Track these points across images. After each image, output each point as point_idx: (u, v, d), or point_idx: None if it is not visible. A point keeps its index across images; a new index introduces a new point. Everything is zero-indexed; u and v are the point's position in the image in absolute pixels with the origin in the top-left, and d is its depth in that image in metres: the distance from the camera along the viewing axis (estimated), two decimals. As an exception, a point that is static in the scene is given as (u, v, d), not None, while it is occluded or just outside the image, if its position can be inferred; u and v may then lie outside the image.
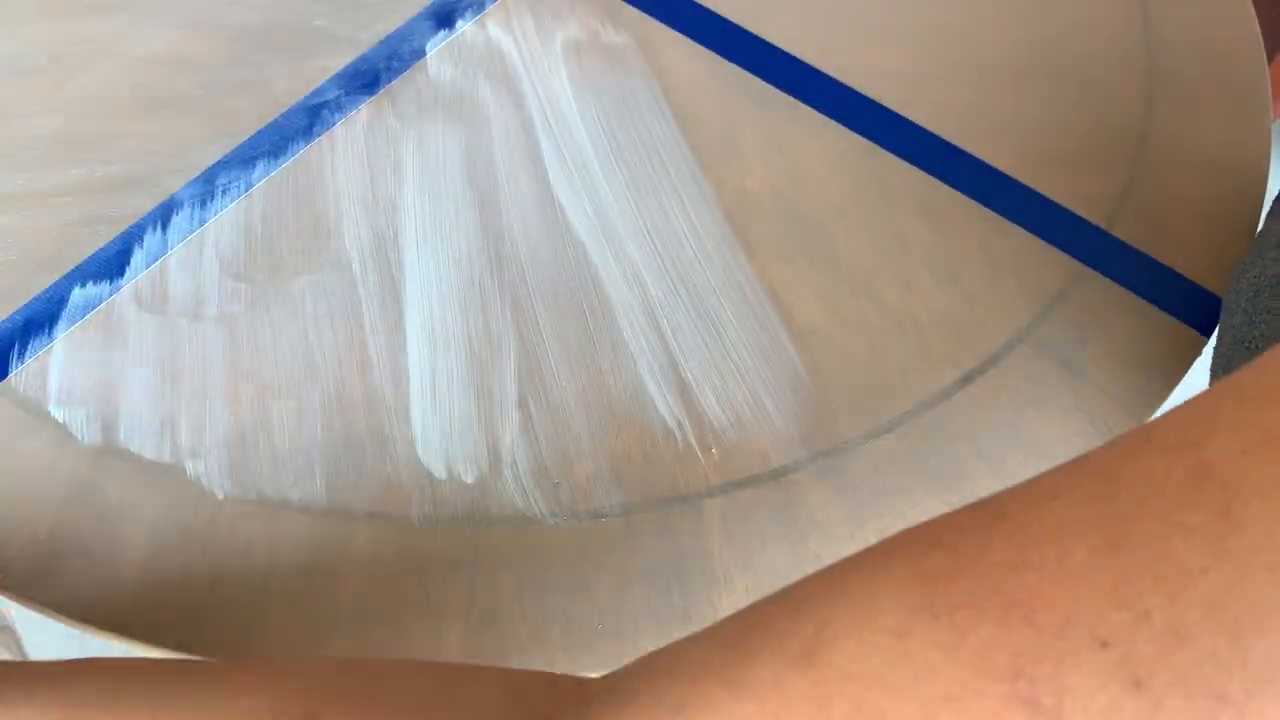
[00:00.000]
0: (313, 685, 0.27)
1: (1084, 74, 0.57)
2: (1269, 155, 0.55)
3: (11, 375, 0.45)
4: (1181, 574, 0.17)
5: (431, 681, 0.27)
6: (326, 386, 0.45)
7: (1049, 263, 0.50)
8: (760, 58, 0.57)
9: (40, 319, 0.46)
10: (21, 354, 0.45)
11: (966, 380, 0.47)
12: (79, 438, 0.43)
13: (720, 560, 0.42)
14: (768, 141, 0.54)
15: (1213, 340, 0.48)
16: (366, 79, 0.55)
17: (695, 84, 0.56)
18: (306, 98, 0.54)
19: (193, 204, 0.50)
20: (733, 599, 0.41)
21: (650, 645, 0.40)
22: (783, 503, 0.43)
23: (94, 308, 0.47)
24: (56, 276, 0.47)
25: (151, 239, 0.49)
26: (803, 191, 0.52)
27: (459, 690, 0.26)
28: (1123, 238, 0.51)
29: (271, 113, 0.53)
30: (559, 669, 0.39)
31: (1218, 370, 0.45)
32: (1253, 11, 0.61)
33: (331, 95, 0.54)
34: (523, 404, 0.45)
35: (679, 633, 0.40)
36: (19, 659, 0.57)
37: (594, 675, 0.39)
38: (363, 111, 0.53)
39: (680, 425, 0.45)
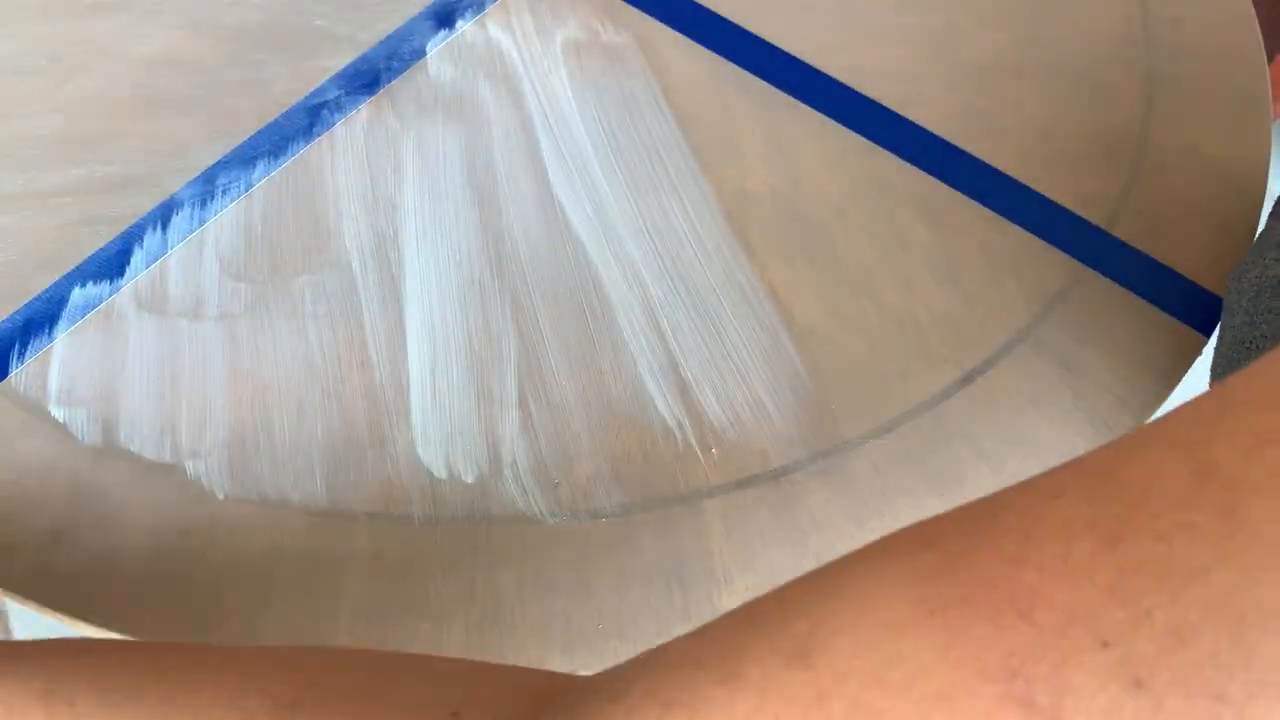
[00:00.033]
0: (302, 672, 0.26)
1: (1084, 74, 0.57)
2: (1269, 155, 0.55)
3: (11, 375, 0.45)
4: (1183, 573, 0.17)
5: (425, 675, 0.27)
6: (326, 386, 0.45)
7: (1049, 263, 0.50)
8: (760, 58, 0.57)
9: (40, 319, 0.46)
10: (22, 354, 0.45)
11: (966, 380, 0.47)
12: (79, 438, 0.43)
13: (720, 560, 0.42)
14: (768, 141, 0.54)
15: (1213, 340, 0.49)
16: (366, 79, 0.55)
17: (695, 84, 0.56)
18: (306, 98, 0.54)
19: (193, 204, 0.50)
20: (733, 599, 0.41)
21: (650, 645, 0.40)
22: (783, 503, 0.43)
23: (94, 308, 0.47)
24: (56, 276, 0.47)
25: (151, 239, 0.49)
26: (803, 191, 0.52)
27: (452, 683, 0.26)
28: (1123, 238, 0.51)
29: (271, 113, 0.53)
30: (559, 669, 0.39)
31: (1219, 370, 0.45)
32: (1253, 12, 0.61)
33: (331, 95, 0.54)
34: (523, 403, 0.45)
35: (679, 633, 0.40)
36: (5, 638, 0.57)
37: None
38: (363, 111, 0.53)
39: (680, 425, 0.45)
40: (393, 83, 0.55)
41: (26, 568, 0.40)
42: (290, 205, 0.50)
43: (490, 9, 0.58)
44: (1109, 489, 0.19)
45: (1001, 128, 0.55)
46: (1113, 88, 0.57)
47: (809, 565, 0.42)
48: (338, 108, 0.54)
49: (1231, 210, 0.53)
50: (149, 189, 0.50)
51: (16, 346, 0.45)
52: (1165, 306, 0.49)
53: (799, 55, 0.57)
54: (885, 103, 0.56)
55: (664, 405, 0.45)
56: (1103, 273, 0.50)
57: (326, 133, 0.53)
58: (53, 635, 0.29)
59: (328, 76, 0.55)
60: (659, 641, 0.41)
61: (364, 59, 0.56)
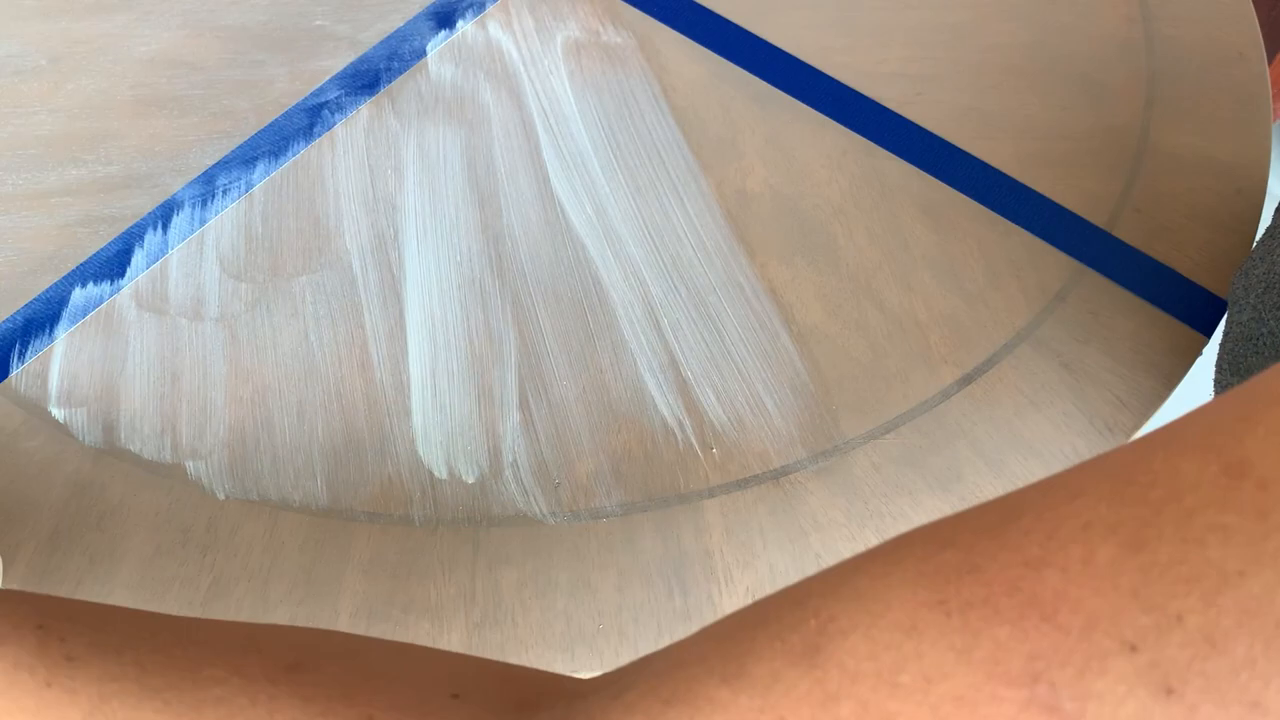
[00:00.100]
0: (301, 641, 0.26)
1: (1084, 74, 0.57)
2: (1269, 155, 0.55)
3: (12, 375, 0.45)
4: (1217, 576, 0.17)
5: (426, 657, 0.26)
6: (327, 386, 0.45)
7: (1049, 263, 0.50)
8: (760, 58, 0.57)
9: (41, 319, 0.46)
10: (22, 354, 0.45)
11: (966, 380, 0.47)
12: (79, 438, 0.43)
13: (720, 560, 0.42)
14: (768, 141, 0.54)
15: (1213, 341, 0.48)
16: (366, 79, 0.55)
17: (695, 84, 0.56)
18: (306, 98, 0.54)
19: (193, 204, 0.50)
20: (733, 599, 0.41)
21: (650, 645, 0.40)
22: (783, 503, 0.43)
23: (94, 308, 0.47)
24: (56, 276, 0.47)
25: (151, 239, 0.49)
26: (803, 191, 0.52)
27: (454, 668, 0.26)
28: (1123, 238, 0.51)
29: (271, 113, 0.53)
30: (559, 668, 0.39)
31: (1224, 367, 0.45)
32: (1253, 11, 0.61)
33: (331, 95, 0.54)
34: (523, 403, 0.45)
35: (679, 632, 0.40)
36: None
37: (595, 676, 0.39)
38: (363, 111, 0.53)
39: (680, 425, 0.45)
40: (393, 83, 0.55)
41: (27, 568, 0.40)
42: (290, 205, 0.50)
43: (490, 9, 0.58)
44: (1130, 491, 0.19)
45: (1002, 128, 0.55)
46: (1113, 88, 0.57)
47: (809, 565, 0.42)
48: (338, 108, 0.54)
49: (1231, 210, 0.53)
50: (149, 189, 0.50)
51: (17, 346, 0.45)
52: (1165, 306, 0.49)
53: (799, 55, 0.57)
54: (885, 103, 0.56)
55: (664, 405, 0.45)
56: (1103, 273, 0.50)
57: (326, 133, 0.53)
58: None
59: (328, 76, 0.55)
60: (659, 642, 0.41)
61: (364, 59, 0.56)
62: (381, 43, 0.56)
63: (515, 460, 0.44)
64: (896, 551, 0.21)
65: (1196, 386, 0.50)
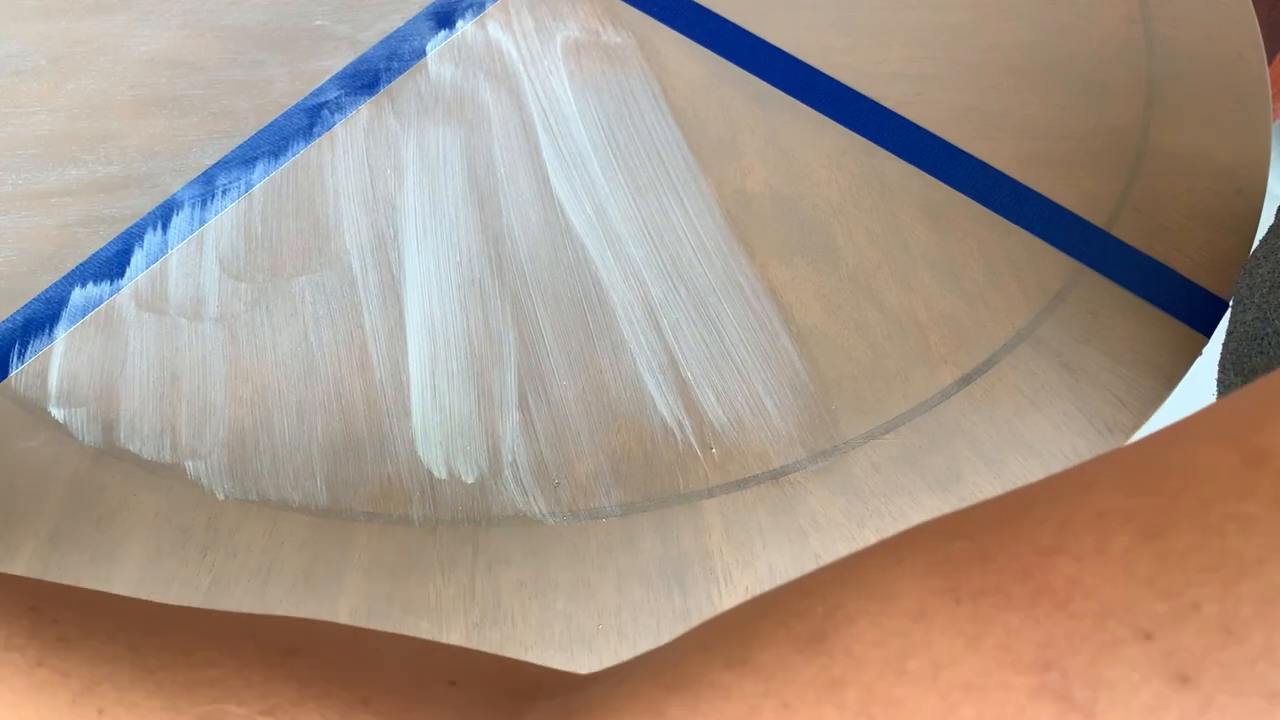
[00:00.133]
0: (298, 626, 0.26)
1: (1084, 74, 0.57)
2: (1269, 155, 0.55)
3: (12, 375, 0.45)
4: (1235, 565, 0.16)
5: (423, 645, 0.26)
6: (326, 386, 0.45)
7: (1049, 263, 0.50)
8: (760, 58, 0.57)
9: (40, 319, 0.46)
10: (22, 354, 0.45)
11: (966, 380, 0.47)
12: (79, 438, 0.43)
13: (720, 560, 0.42)
14: (768, 141, 0.54)
15: (1212, 341, 0.48)
16: (366, 79, 0.55)
17: (695, 84, 0.56)
18: (306, 98, 0.54)
19: (193, 204, 0.50)
20: (732, 599, 0.41)
21: (650, 645, 0.40)
22: (782, 502, 0.43)
23: (94, 308, 0.47)
24: (56, 276, 0.47)
25: (151, 239, 0.49)
26: (803, 191, 0.52)
27: (451, 656, 0.26)
28: (1123, 238, 0.51)
29: (271, 113, 0.53)
30: (559, 668, 0.39)
31: (1227, 367, 0.45)
32: (1253, 12, 0.61)
33: (331, 95, 0.54)
34: (523, 403, 0.45)
35: (679, 632, 0.40)
36: None
37: (594, 675, 0.39)
38: (363, 112, 0.53)
39: (680, 425, 0.45)
40: (393, 83, 0.55)
41: (27, 568, 0.40)
42: (290, 205, 0.50)
43: (490, 9, 0.58)
44: (1145, 481, 0.18)
45: (1002, 128, 0.55)
46: (1113, 88, 0.57)
47: (809, 565, 0.42)
48: (338, 108, 0.54)
49: (1231, 210, 0.53)
50: (149, 189, 0.50)
51: (16, 346, 0.45)
52: (1165, 306, 0.49)
53: (799, 55, 0.57)
54: (885, 103, 0.56)
55: (664, 405, 0.45)
56: (1103, 273, 0.50)
57: (326, 133, 0.53)
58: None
59: (328, 76, 0.55)
60: (659, 641, 0.41)
61: (364, 59, 0.56)
62: (381, 43, 0.56)
63: (515, 460, 0.44)
64: (905, 542, 0.21)
65: (1197, 387, 0.50)
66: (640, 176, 0.52)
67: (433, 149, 0.52)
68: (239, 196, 0.50)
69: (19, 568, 0.40)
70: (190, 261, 0.48)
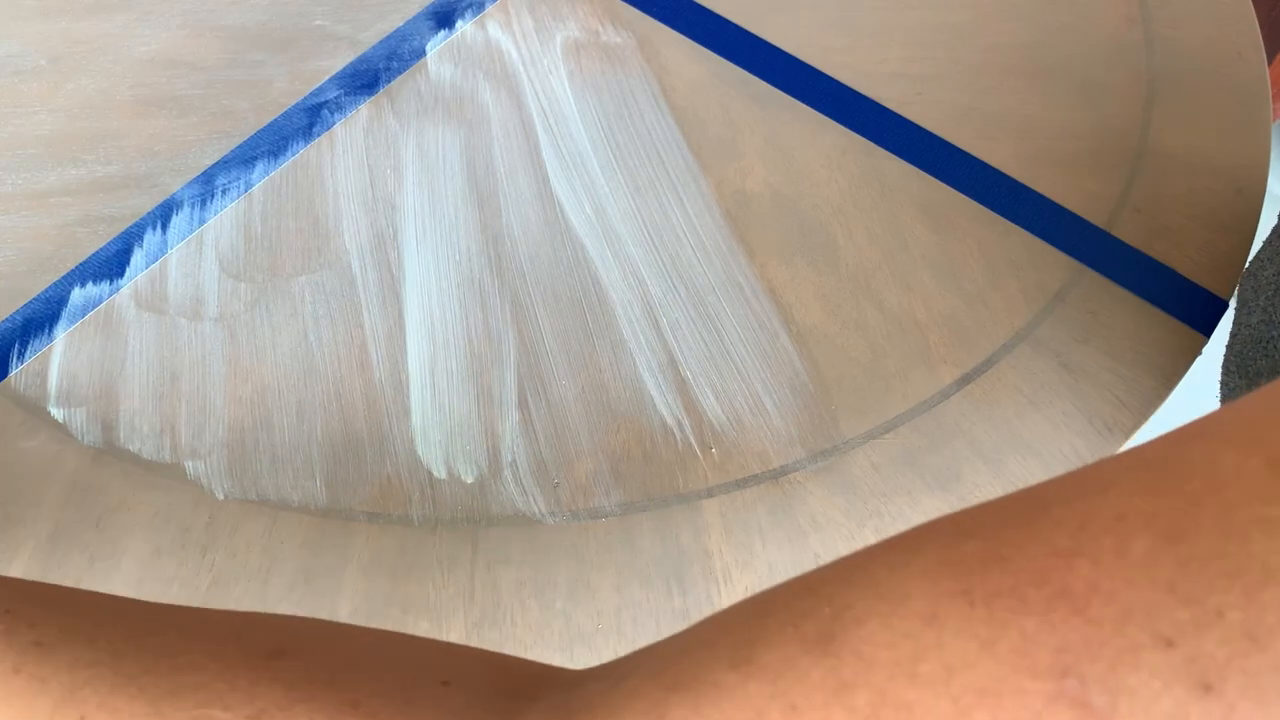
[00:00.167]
0: (285, 627, 0.25)
1: (1084, 74, 0.57)
2: (1269, 155, 0.55)
3: (11, 375, 0.45)
4: (1260, 571, 0.16)
5: (416, 645, 0.26)
6: (326, 386, 0.45)
7: (1049, 263, 0.50)
8: (760, 58, 0.57)
9: (40, 319, 0.46)
10: (21, 354, 0.45)
11: (966, 380, 0.47)
12: (79, 437, 0.43)
13: (720, 560, 0.42)
14: (768, 141, 0.54)
15: (1214, 343, 0.48)
16: (366, 79, 0.55)
17: (695, 84, 0.56)
18: (306, 98, 0.54)
19: (193, 204, 0.50)
20: (732, 598, 0.41)
21: (649, 644, 0.40)
22: (782, 502, 0.43)
23: (94, 308, 0.47)
24: (56, 276, 0.47)
25: (151, 239, 0.49)
26: (803, 191, 0.52)
27: (445, 656, 0.25)
28: (1123, 238, 0.51)
29: (271, 113, 0.53)
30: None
31: (1231, 370, 0.45)
32: (1253, 12, 0.61)
33: (331, 95, 0.54)
34: (522, 403, 0.45)
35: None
36: None
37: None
38: (362, 111, 0.53)
39: (680, 424, 0.45)
40: (393, 83, 0.55)
41: (26, 567, 0.40)
42: (290, 205, 0.50)
43: (490, 9, 0.58)
44: (1165, 483, 0.18)
45: (1002, 128, 0.55)
46: (1113, 88, 0.57)
47: (809, 565, 0.42)
48: (337, 108, 0.54)
49: (1231, 210, 0.53)
50: (149, 189, 0.50)
51: (16, 346, 0.45)
52: (1165, 306, 0.49)
53: (799, 55, 0.57)
54: (885, 103, 0.56)
55: (663, 405, 0.45)
56: (1103, 273, 0.50)
57: (326, 133, 0.53)
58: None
59: (327, 76, 0.55)
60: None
61: (364, 59, 0.56)
62: (381, 42, 0.56)
63: (514, 460, 0.44)
64: (915, 541, 0.20)
65: (1196, 387, 0.50)
66: (640, 176, 0.52)
67: (432, 149, 0.52)
68: (239, 196, 0.50)
69: (18, 568, 0.40)
70: (190, 261, 0.48)
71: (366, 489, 0.43)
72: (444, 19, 0.57)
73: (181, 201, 0.50)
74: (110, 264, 0.48)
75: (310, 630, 0.25)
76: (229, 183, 0.51)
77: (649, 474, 0.44)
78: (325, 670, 0.23)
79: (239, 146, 0.52)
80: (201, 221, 0.49)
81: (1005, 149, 0.54)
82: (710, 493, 0.43)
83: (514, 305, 0.48)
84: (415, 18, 0.57)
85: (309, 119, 0.53)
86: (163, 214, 0.49)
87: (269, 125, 0.53)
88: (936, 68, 0.57)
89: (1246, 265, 0.48)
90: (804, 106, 0.55)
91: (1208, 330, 0.49)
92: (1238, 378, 0.44)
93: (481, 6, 0.58)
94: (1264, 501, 0.17)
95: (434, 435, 0.44)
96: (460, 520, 0.42)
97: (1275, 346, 0.41)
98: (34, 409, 0.44)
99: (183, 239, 0.49)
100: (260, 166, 0.51)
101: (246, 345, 0.46)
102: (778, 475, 0.44)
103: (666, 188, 0.52)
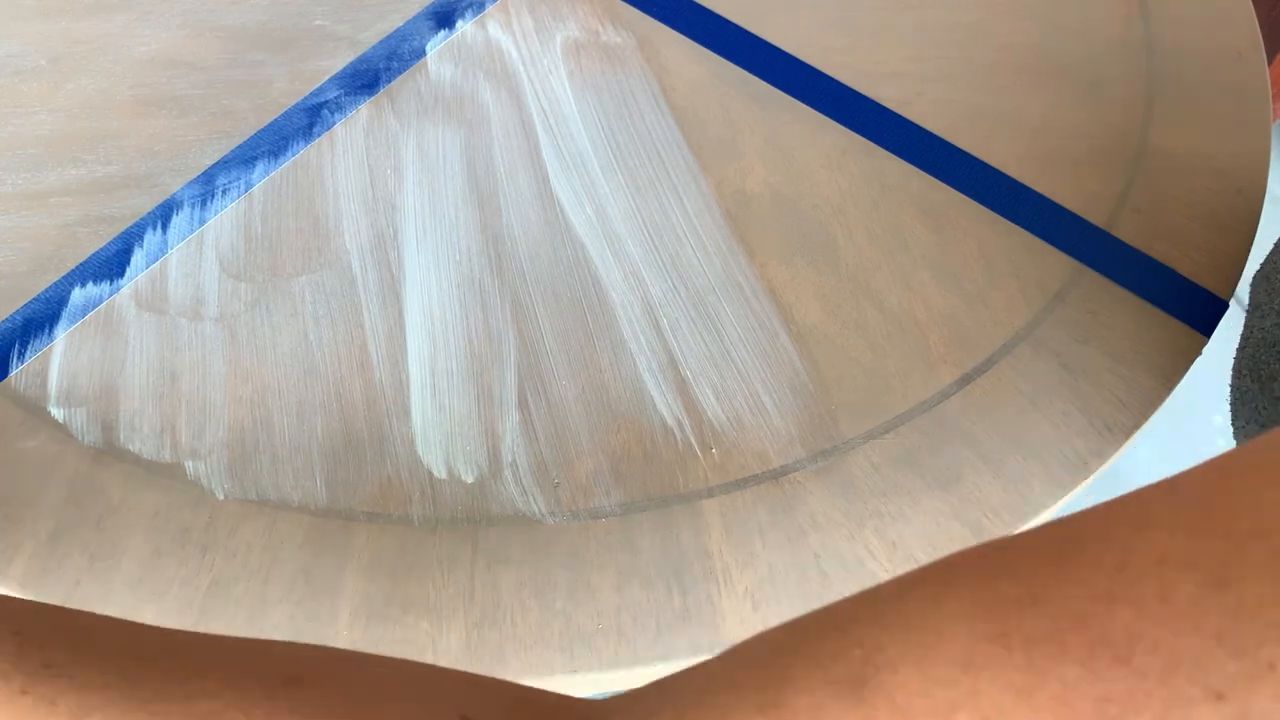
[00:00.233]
0: (301, 656, 0.25)
1: (1084, 74, 0.57)
2: (1269, 155, 0.55)
3: (11, 375, 0.45)
4: None
5: (434, 676, 0.25)
6: (326, 386, 0.45)
7: (1049, 263, 0.50)
8: (760, 58, 0.57)
9: (40, 319, 0.46)
10: (22, 354, 0.45)
11: (966, 380, 0.47)
12: (79, 437, 0.43)
13: (720, 560, 0.42)
14: (768, 141, 0.54)
15: (1221, 345, 0.48)
16: (366, 79, 0.55)
17: (695, 84, 0.56)
18: (306, 98, 0.54)
19: (193, 204, 0.50)
20: (732, 598, 0.41)
21: (649, 645, 0.40)
22: (782, 502, 0.43)
23: (94, 308, 0.47)
24: (56, 276, 0.47)
25: (151, 239, 0.49)
26: (803, 191, 0.52)
27: (463, 687, 0.25)
28: (1123, 238, 0.51)
29: (271, 113, 0.53)
30: (558, 669, 0.39)
31: (1243, 373, 0.44)
32: (1253, 11, 0.61)
33: (331, 95, 0.54)
34: (522, 403, 0.45)
35: (679, 632, 0.40)
36: None
37: (594, 675, 0.39)
38: (362, 111, 0.53)
39: (680, 424, 0.45)
40: (393, 83, 0.55)
41: (26, 567, 0.40)
42: (290, 205, 0.50)
43: (490, 9, 0.58)
44: (1209, 523, 0.17)
45: (1002, 128, 0.55)
46: (1113, 87, 0.57)
47: (808, 565, 0.42)
48: (337, 108, 0.54)
49: (1231, 210, 0.53)
50: (149, 189, 0.50)
51: (16, 346, 0.45)
52: (1165, 306, 0.49)
53: (799, 55, 0.57)
54: (885, 103, 0.56)
55: (663, 405, 0.45)
56: (1103, 273, 0.50)
57: (326, 133, 0.53)
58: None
59: (327, 76, 0.55)
60: (658, 641, 0.41)
61: (364, 59, 0.56)
62: (381, 42, 0.56)
63: (514, 460, 0.44)
64: (947, 577, 0.19)
65: (1196, 387, 0.50)
66: (640, 176, 0.52)
67: (432, 149, 0.52)
68: (239, 196, 0.50)
69: (18, 568, 0.40)
70: (190, 261, 0.48)
71: (366, 489, 0.43)
72: (444, 19, 0.57)
73: (182, 201, 0.50)
74: (110, 264, 0.48)
75: (327, 659, 0.25)
76: (229, 183, 0.51)
77: (649, 474, 0.44)
78: (341, 700, 0.23)
79: (239, 146, 0.52)
80: (202, 221, 0.49)
81: (1005, 149, 0.54)
82: (710, 493, 0.43)
83: (514, 305, 0.48)
84: (415, 18, 0.57)
85: (309, 119, 0.53)
86: (163, 214, 0.49)
87: (269, 125, 0.53)
88: (937, 68, 0.57)
89: (1259, 268, 0.47)
90: (804, 106, 0.55)
91: (1208, 330, 0.49)
92: (1250, 381, 0.43)
93: (481, 6, 0.58)
94: None
95: (434, 435, 0.44)
96: (460, 520, 0.42)
97: None
98: (34, 409, 0.44)
99: (183, 239, 0.49)
100: (260, 166, 0.51)
101: (247, 345, 0.46)
102: (778, 475, 0.44)
103: (666, 188, 0.52)
